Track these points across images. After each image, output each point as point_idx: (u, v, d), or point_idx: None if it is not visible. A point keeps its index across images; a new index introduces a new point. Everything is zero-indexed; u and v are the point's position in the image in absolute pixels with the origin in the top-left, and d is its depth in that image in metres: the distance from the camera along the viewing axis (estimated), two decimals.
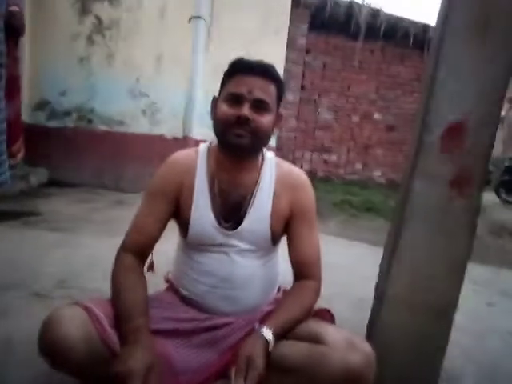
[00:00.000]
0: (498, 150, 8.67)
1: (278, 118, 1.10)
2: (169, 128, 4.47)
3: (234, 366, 0.92)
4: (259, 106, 1.02)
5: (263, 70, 1.03)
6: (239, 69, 1.04)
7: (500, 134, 8.94)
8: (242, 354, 0.92)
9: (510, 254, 3.64)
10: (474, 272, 1.51)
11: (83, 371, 0.90)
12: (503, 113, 8.44)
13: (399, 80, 6.00)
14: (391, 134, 6.08)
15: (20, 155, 3.83)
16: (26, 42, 3.83)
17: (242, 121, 1.00)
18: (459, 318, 1.27)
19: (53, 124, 4.42)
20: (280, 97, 1.08)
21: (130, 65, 4.38)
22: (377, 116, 6.02)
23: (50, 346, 0.87)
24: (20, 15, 2.97)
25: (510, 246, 3.93)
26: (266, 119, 1.03)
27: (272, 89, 1.04)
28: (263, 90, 1.02)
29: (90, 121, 4.43)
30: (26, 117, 4.28)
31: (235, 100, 1.01)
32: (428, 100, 1.18)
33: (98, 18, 4.34)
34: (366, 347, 0.91)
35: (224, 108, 1.03)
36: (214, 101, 1.09)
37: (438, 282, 1.24)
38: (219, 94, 1.08)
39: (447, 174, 1.19)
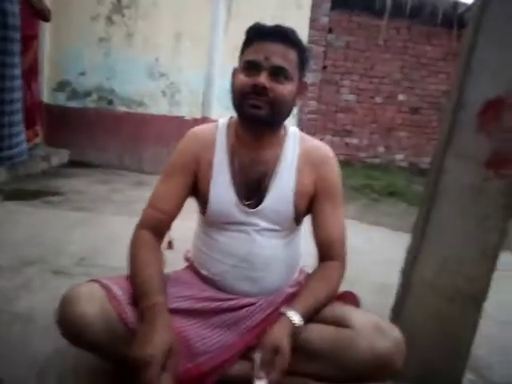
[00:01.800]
0: None
1: (301, 86, 1.03)
2: (188, 109, 4.43)
3: (257, 349, 0.88)
4: (278, 73, 0.95)
5: (281, 35, 0.96)
6: (256, 35, 0.97)
7: None
8: (267, 341, 0.88)
9: None
10: (507, 259, 1.44)
11: (101, 348, 0.89)
12: None
13: (424, 60, 5.76)
14: (415, 116, 5.88)
15: (39, 136, 3.90)
16: (46, 23, 3.82)
17: (258, 90, 0.93)
18: (488, 307, 1.21)
19: (73, 104, 4.43)
20: (302, 63, 1.01)
21: (149, 44, 4.33)
22: (401, 97, 5.81)
23: (68, 323, 0.86)
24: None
25: None
26: (285, 88, 0.96)
27: (292, 55, 0.97)
28: (282, 56, 0.95)
29: (110, 102, 4.43)
30: (46, 97, 4.31)
31: (252, 68, 0.95)
32: (465, 74, 1.10)
33: None
34: (395, 332, 0.87)
35: (241, 77, 0.97)
36: (234, 72, 1.03)
37: (468, 266, 1.18)
38: (239, 65, 1.02)
39: (483, 154, 1.12)
